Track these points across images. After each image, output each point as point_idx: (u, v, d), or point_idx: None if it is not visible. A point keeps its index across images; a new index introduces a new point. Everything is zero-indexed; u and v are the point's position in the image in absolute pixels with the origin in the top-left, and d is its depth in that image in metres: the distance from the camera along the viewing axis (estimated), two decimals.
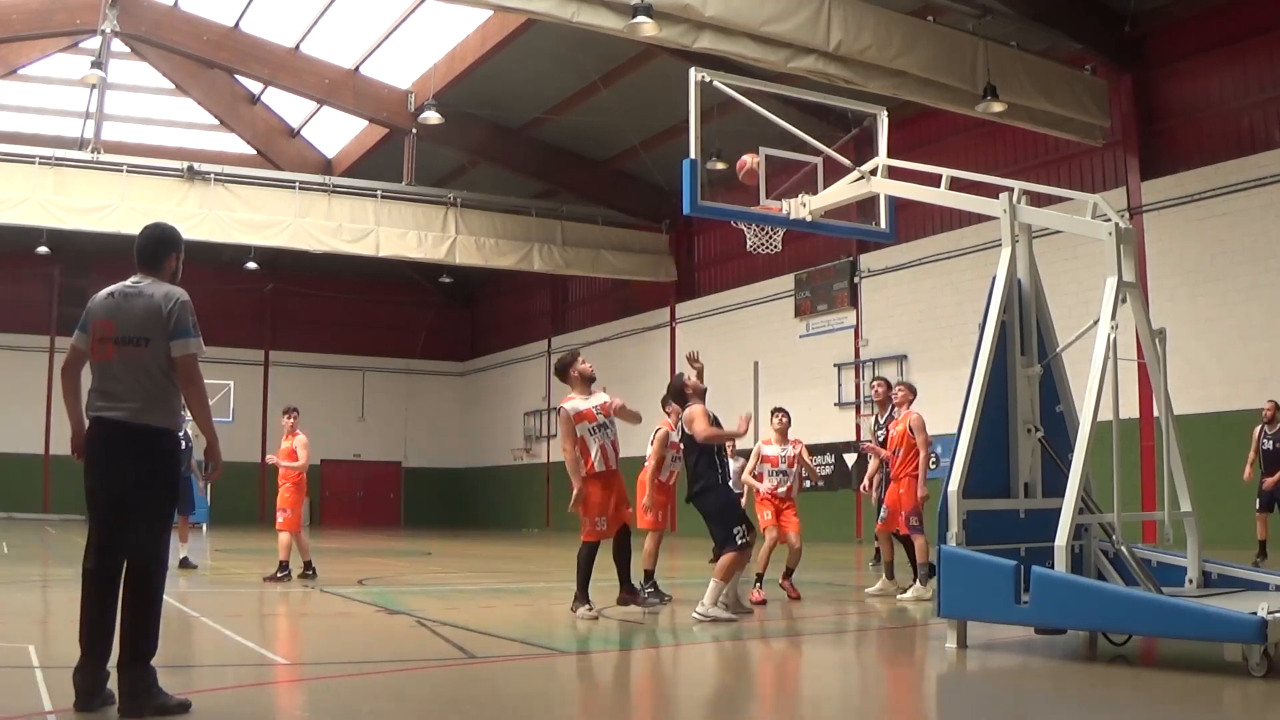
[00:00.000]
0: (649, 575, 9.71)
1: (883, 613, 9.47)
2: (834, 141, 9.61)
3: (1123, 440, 6.69)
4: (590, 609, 8.44)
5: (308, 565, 12.56)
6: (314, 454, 13.48)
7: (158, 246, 5.15)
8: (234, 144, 32.34)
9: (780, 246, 10.19)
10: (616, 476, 8.74)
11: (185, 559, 13.62)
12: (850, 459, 23.97)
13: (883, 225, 9.50)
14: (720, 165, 19.41)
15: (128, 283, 5.10)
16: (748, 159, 9.12)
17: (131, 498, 4.90)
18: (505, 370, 38.66)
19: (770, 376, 26.75)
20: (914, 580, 10.17)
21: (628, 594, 9.15)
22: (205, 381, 5.18)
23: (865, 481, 12.40)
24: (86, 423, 5.04)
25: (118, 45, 26.22)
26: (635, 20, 14.75)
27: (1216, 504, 13.82)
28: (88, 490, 4.96)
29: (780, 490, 10.36)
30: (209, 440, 5.17)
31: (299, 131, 32.21)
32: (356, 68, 26.50)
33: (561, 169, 28.68)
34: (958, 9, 17.81)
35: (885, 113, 9.41)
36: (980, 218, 17.25)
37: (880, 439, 11.49)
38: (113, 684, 4.77)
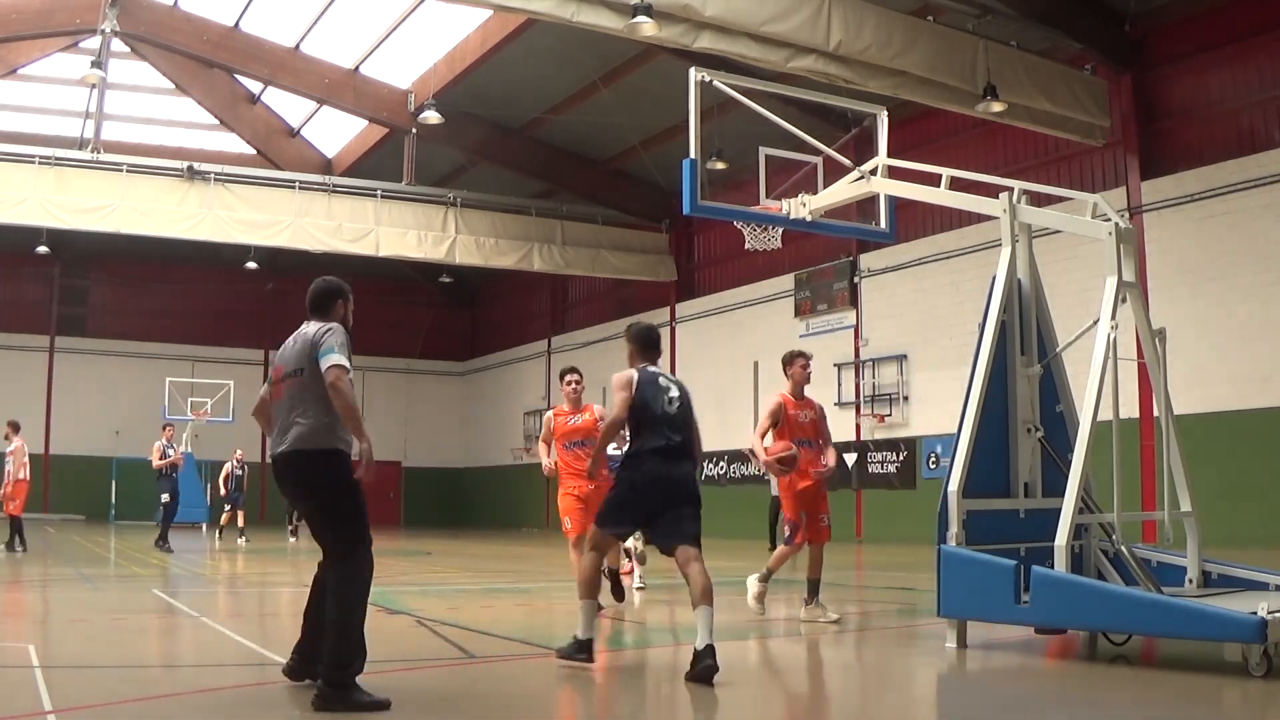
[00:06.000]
0: None
1: (883, 612, 9.47)
2: (834, 141, 9.61)
3: (1123, 440, 6.69)
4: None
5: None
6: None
7: (324, 299, 5.60)
8: (234, 144, 32.35)
9: (780, 243, 10.18)
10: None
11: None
12: (850, 459, 23.98)
13: (883, 225, 9.49)
14: (720, 165, 19.51)
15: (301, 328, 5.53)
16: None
17: (307, 516, 5.40)
18: (505, 370, 38.67)
19: (770, 376, 26.71)
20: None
21: None
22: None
23: None
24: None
25: (118, 45, 26.22)
26: (635, 20, 14.75)
27: (1216, 504, 13.84)
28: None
29: None
30: (362, 444, 5.26)
31: (299, 131, 32.23)
32: (356, 67, 26.51)
33: (561, 169, 28.69)
34: (958, 9, 17.81)
35: (885, 112, 9.40)
36: (980, 217, 17.26)
37: None
38: None
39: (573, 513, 9.09)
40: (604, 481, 7.89)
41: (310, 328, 5.45)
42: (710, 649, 5.80)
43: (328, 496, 5.30)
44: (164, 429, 19.89)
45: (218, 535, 21.48)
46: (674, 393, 6.45)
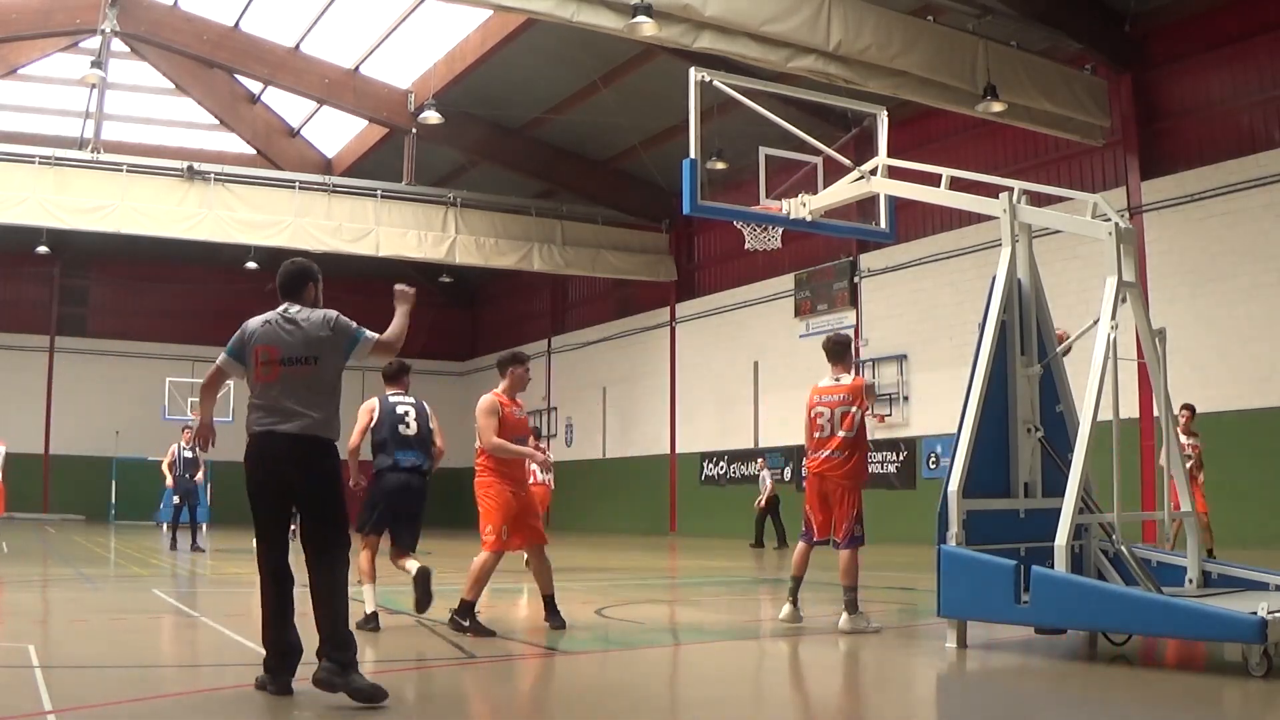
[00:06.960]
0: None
1: (883, 612, 9.45)
2: (834, 141, 9.61)
3: (1123, 440, 6.69)
4: None
5: None
6: None
7: (297, 280, 5.70)
8: (234, 144, 32.34)
9: (780, 243, 10.18)
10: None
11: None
12: None
13: (883, 225, 9.49)
14: (720, 165, 19.50)
15: (281, 310, 5.57)
16: None
17: (304, 506, 5.40)
18: None
19: (770, 376, 26.75)
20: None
21: None
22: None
23: None
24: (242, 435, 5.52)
25: (118, 45, 26.21)
26: (635, 20, 14.76)
27: (1216, 504, 13.84)
28: (253, 496, 5.41)
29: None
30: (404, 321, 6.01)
31: (299, 131, 32.21)
32: (356, 67, 26.51)
33: (561, 169, 28.69)
34: (958, 9, 17.81)
35: (885, 112, 9.40)
36: (980, 217, 17.26)
37: None
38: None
39: (495, 516, 7.85)
40: (537, 485, 8.47)
41: (309, 313, 5.53)
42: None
43: (329, 486, 5.45)
44: (183, 431, 19.95)
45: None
46: (411, 415, 7.85)
